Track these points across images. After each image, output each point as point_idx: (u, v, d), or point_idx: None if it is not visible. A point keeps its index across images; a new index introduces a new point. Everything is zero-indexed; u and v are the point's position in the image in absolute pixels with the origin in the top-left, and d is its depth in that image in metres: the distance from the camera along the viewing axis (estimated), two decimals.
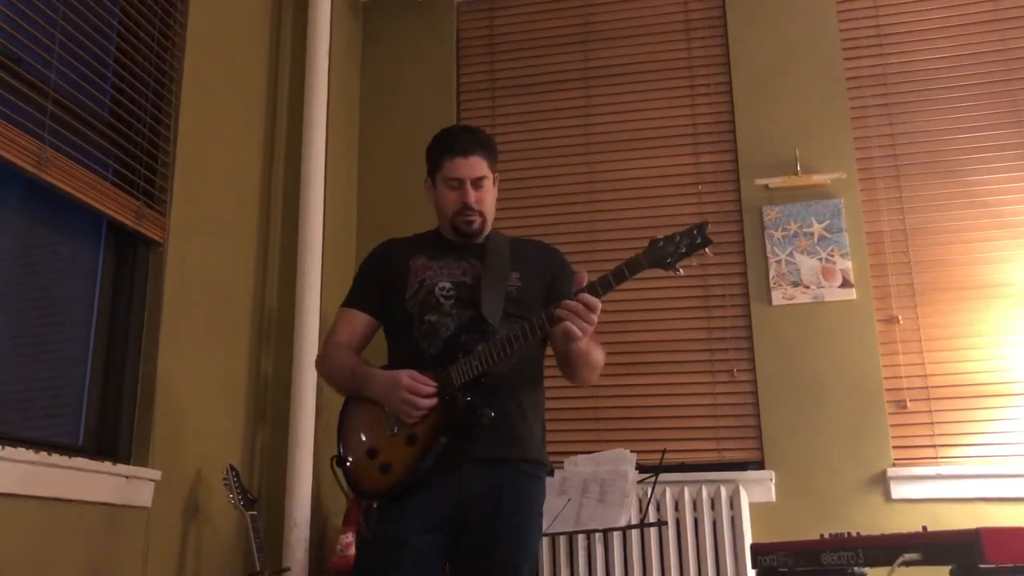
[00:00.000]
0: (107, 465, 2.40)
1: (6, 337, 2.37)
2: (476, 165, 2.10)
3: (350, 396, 2.09)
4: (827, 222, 3.59)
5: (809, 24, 3.82)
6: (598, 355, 2.06)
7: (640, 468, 3.05)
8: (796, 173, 3.65)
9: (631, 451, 3.07)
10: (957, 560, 1.93)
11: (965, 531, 1.92)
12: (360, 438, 2.03)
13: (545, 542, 3.34)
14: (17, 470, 2.07)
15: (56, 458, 2.19)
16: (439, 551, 1.95)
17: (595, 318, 1.86)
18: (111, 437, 2.55)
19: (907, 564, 2.00)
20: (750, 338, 3.58)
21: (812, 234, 3.59)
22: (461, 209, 2.10)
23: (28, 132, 2.22)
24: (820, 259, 3.56)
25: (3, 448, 2.03)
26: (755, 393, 3.52)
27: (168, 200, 2.77)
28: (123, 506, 2.44)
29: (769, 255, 3.62)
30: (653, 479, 3.01)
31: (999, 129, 3.58)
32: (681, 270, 1.86)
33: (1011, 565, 1.87)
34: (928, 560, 1.99)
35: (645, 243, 1.91)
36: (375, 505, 1.99)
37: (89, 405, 2.55)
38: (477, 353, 1.93)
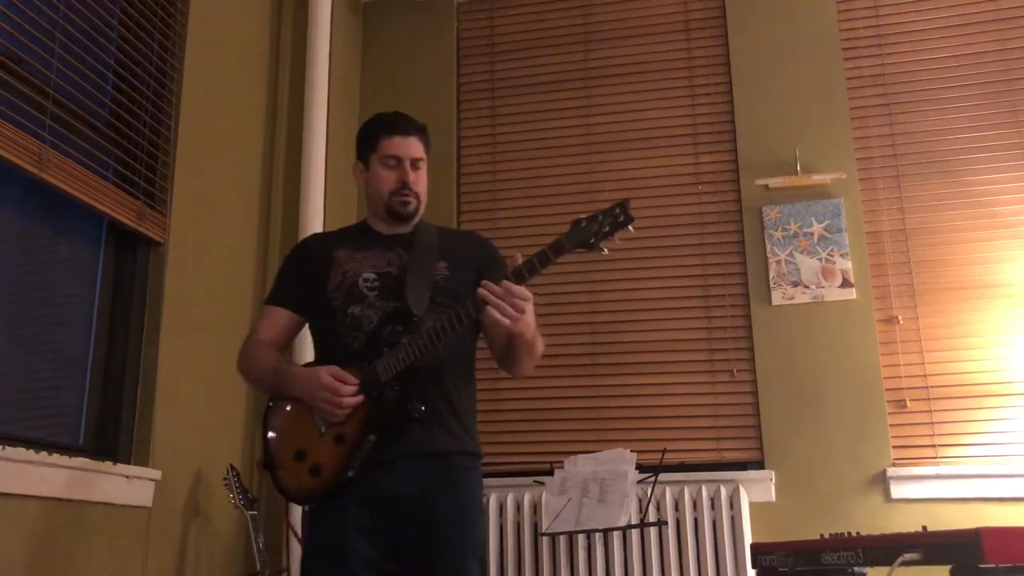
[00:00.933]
0: (107, 465, 2.40)
1: (6, 337, 2.37)
2: (415, 145, 2.07)
3: (275, 396, 2.03)
4: (827, 222, 3.59)
5: (809, 24, 3.82)
6: (540, 346, 2.00)
7: (640, 468, 3.05)
8: (796, 173, 3.65)
9: (631, 451, 3.07)
10: (957, 560, 1.92)
11: (965, 531, 1.92)
12: (288, 439, 1.96)
13: (545, 542, 3.34)
14: (17, 470, 2.07)
15: (56, 458, 2.19)
16: (382, 551, 1.89)
17: (523, 304, 1.80)
18: (111, 437, 2.56)
19: (907, 564, 2.00)
20: (750, 338, 3.58)
21: (812, 234, 3.59)
22: (398, 188, 2.04)
23: (28, 132, 2.22)
24: (820, 259, 3.56)
25: (3, 448, 2.03)
26: (755, 393, 3.52)
27: (168, 200, 2.77)
28: (123, 506, 2.44)
29: (769, 255, 3.62)
30: (653, 479, 3.01)
31: (999, 129, 3.58)
32: (606, 250, 1.80)
33: (1011, 565, 1.87)
34: (928, 560, 1.99)
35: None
36: (306, 509, 1.95)
37: (89, 405, 2.56)
38: (403, 346, 1.87)
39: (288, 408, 1.99)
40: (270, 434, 2.00)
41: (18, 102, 2.24)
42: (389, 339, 1.91)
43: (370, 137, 2.10)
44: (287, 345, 2.14)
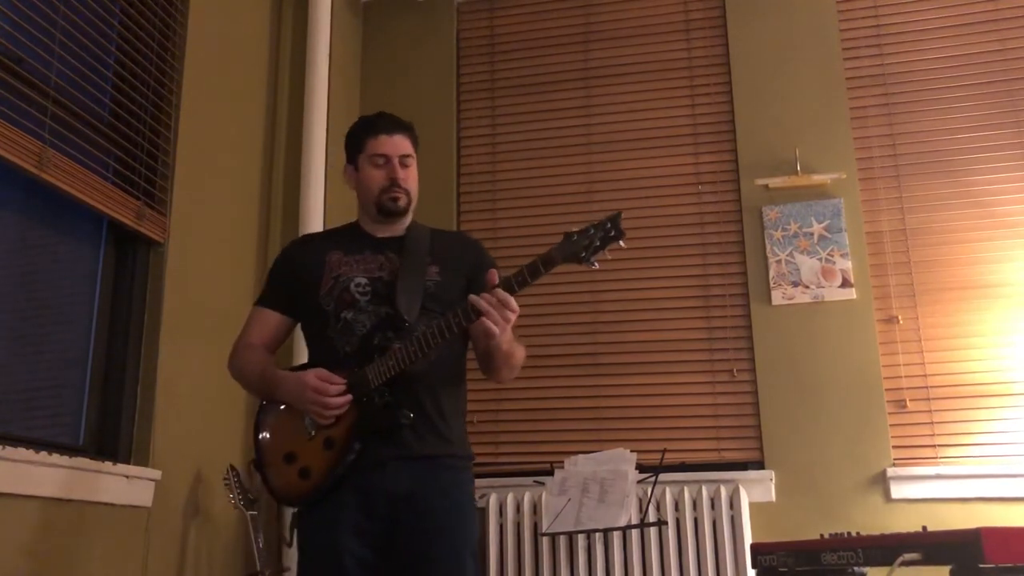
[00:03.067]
0: (107, 465, 2.40)
1: (6, 337, 2.37)
2: (401, 143, 2.08)
3: (266, 402, 2.03)
4: (827, 222, 3.59)
5: (809, 24, 3.82)
6: (519, 354, 2.01)
7: (640, 468, 3.05)
8: (796, 173, 3.65)
9: (631, 451, 3.08)
10: (957, 560, 1.92)
11: (965, 531, 1.92)
12: (278, 442, 1.97)
13: (545, 542, 3.34)
14: (17, 470, 2.07)
15: (57, 458, 2.19)
16: (375, 552, 1.89)
17: (511, 315, 1.81)
18: (111, 437, 2.56)
19: (907, 564, 2.00)
20: (750, 338, 3.58)
21: (812, 234, 3.59)
22: (388, 186, 2.04)
23: (28, 132, 2.22)
24: (820, 259, 3.56)
25: (3, 448, 2.03)
26: (755, 393, 3.52)
27: (168, 200, 2.77)
28: (123, 506, 2.44)
29: (769, 255, 3.62)
30: (653, 479, 3.01)
31: (999, 129, 3.59)
32: (596, 263, 1.80)
33: (1011, 565, 1.87)
34: (928, 560, 1.99)
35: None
36: (295, 512, 1.95)
37: (89, 405, 2.56)
38: (393, 352, 1.87)
39: (279, 410, 2.00)
40: (261, 435, 2.01)
41: (18, 102, 2.24)
42: (380, 345, 1.91)
43: (356, 139, 2.11)
44: (277, 347, 2.13)
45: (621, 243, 1.79)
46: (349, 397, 1.89)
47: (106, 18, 2.67)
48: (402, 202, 2.07)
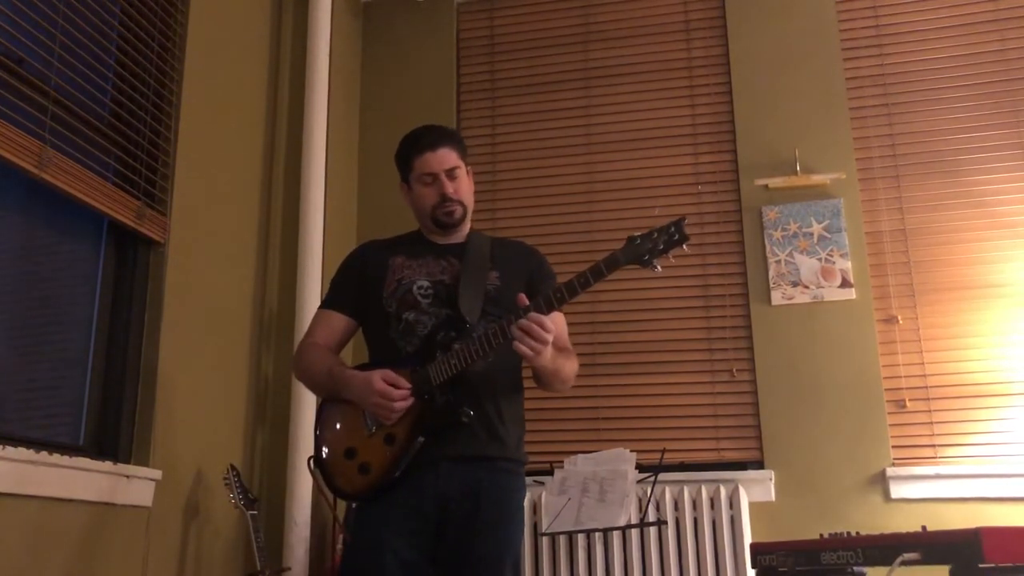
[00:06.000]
0: (107, 465, 2.40)
1: (6, 337, 2.37)
2: (446, 156, 2.11)
3: (327, 397, 2.07)
4: (827, 222, 3.59)
5: (809, 24, 3.83)
6: (568, 368, 2.04)
7: (640, 468, 3.05)
8: (796, 173, 3.65)
9: (631, 451, 3.08)
10: (957, 560, 1.93)
11: (965, 531, 1.93)
12: (338, 438, 2.01)
13: (545, 542, 3.34)
14: (17, 470, 2.07)
15: (57, 458, 2.19)
16: (420, 552, 1.93)
17: (546, 336, 1.83)
18: (112, 437, 2.56)
19: (906, 564, 2.01)
20: (750, 338, 3.58)
21: (812, 234, 3.60)
22: (440, 202, 2.10)
23: (29, 132, 2.22)
24: (820, 259, 3.57)
25: (3, 448, 2.03)
26: (755, 393, 3.52)
27: (169, 200, 2.77)
28: (123, 506, 2.44)
29: (769, 255, 3.62)
30: (653, 479, 3.02)
31: (999, 129, 3.59)
32: (659, 267, 1.83)
33: (1011, 565, 1.87)
34: (928, 560, 1.99)
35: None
36: (353, 506, 1.98)
37: (89, 405, 2.55)
38: (455, 351, 1.92)
39: (339, 406, 2.04)
40: (321, 431, 2.05)
41: (18, 102, 2.23)
42: (442, 342, 1.96)
43: (405, 159, 2.16)
44: (340, 349, 2.18)
45: (685, 247, 1.83)
46: (412, 400, 1.92)
47: (106, 18, 2.67)
48: (456, 215, 2.12)
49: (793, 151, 3.68)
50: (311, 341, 2.14)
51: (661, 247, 1.82)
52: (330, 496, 2.06)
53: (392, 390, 1.90)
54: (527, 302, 1.87)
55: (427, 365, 1.94)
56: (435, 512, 1.93)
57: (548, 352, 1.87)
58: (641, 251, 1.83)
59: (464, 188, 2.14)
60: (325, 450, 2.03)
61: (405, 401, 1.91)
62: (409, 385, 1.93)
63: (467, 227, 2.18)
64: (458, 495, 1.93)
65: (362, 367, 2.05)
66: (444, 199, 2.10)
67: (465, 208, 2.14)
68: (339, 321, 2.15)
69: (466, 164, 2.17)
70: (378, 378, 1.91)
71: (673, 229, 1.83)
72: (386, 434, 1.96)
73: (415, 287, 2.05)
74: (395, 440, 1.95)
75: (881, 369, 3.43)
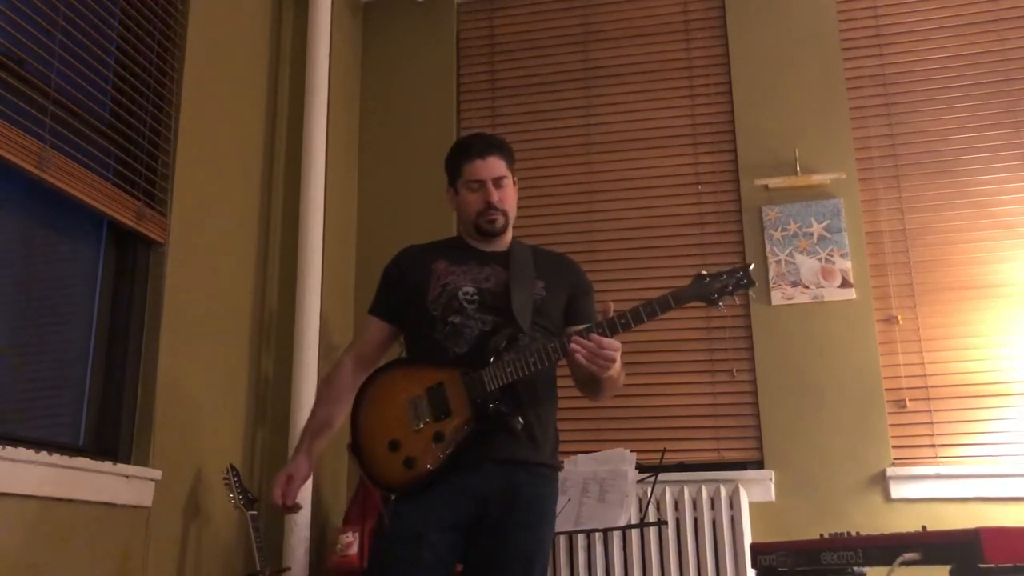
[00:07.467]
0: (107, 465, 2.40)
1: (6, 337, 2.37)
2: (495, 165, 2.15)
3: (366, 383, 2.11)
4: (827, 222, 3.59)
5: (809, 24, 3.83)
6: (622, 378, 2.09)
7: (640, 468, 3.05)
8: (796, 173, 3.65)
9: (631, 451, 3.08)
10: (957, 560, 1.93)
11: (965, 531, 1.93)
12: (382, 428, 2.03)
13: None
14: (17, 470, 2.07)
15: (57, 458, 2.19)
16: (453, 550, 1.97)
17: (612, 354, 1.89)
18: (111, 437, 2.55)
19: (907, 564, 2.01)
20: (750, 338, 3.58)
21: (812, 234, 3.60)
22: (484, 209, 2.14)
23: (28, 132, 2.22)
24: (820, 259, 3.57)
25: (3, 448, 2.03)
26: (755, 393, 3.53)
27: (168, 200, 2.77)
28: (123, 506, 2.44)
29: (769, 255, 3.62)
30: (653, 479, 3.02)
31: (998, 129, 3.59)
32: (723, 306, 1.95)
33: (1011, 565, 1.87)
34: (928, 560, 1.99)
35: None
36: (392, 498, 2.00)
37: (89, 405, 2.55)
38: (511, 360, 1.96)
39: (383, 397, 2.06)
40: (362, 419, 2.07)
41: (18, 102, 2.23)
42: (495, 348, 1.99)
43: (454, 165, 2.21)
44: (379, 356, 2.22)
45: (751, 293, 2.00)
46: (294, 501, 2.12)
47: (106, 18, 2.67)
48: (499, 223, 2.16)
49: (793, 151, 3.68)
50: (344, 359, 2.21)
51: (729, 289, 1.94)
52: (368, 482, 2.12)
53: (278, 497, 2.08)
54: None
55: (480, 370, 1.97)
56: (473, 511, 1.97)
57: (617, 364, 1.94)
58: (709, 290, 1.95)
59: (509, 198, 2.18)
60: (367, 439, 2.05)
61: (284, 499, 2.10)
62: (296, 501, 2.11)
63: (509, 236, 2.22)
64: (497, 496, 1.97)
65: (399, 361, 2.13)
66: (489, 206, 2.14)
67: (507, 218, 2.18)
68: (378, 329, 2.21)
69: (513, 175, 2.20)
70: (283, 477, 2.10)
71: (741, 273, 1.95)
72: (435, 431, 1.98)
73: (460, 293, 2.09)
74: (444, 438, 1.98)
75: (881, 369, 3.43)
